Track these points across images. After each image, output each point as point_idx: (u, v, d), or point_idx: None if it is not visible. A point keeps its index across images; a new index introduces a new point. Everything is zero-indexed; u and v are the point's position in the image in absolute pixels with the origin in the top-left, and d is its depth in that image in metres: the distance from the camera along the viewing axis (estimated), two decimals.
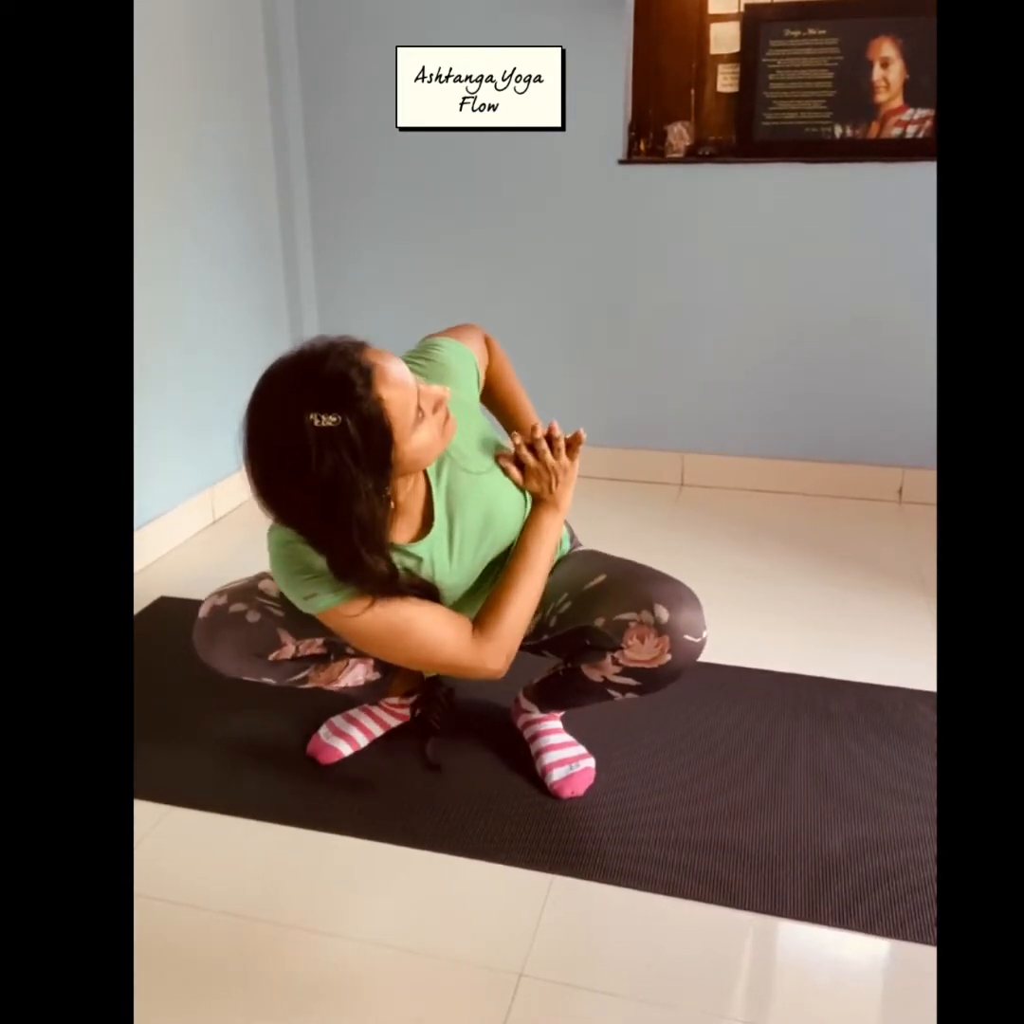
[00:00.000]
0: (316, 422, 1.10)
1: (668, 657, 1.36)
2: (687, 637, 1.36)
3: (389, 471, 1.19)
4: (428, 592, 1.36)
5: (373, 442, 1.14)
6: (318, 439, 1.11)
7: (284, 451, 1.14)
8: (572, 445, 1.40)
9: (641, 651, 1.36)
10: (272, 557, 1.33)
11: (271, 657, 1.46)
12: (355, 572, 1.23)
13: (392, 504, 1.25)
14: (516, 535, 1.44)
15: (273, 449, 1.15)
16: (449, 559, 1.40)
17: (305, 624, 1.41)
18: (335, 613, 1.29)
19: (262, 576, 1.49)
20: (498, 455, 1.43)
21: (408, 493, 1.34)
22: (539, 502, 1.44)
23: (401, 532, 1.35)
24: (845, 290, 2.79)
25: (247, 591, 1.48)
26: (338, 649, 1.53)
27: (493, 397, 1.61)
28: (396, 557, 1.31)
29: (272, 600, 1.46)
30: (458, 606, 1.44)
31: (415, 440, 1.21)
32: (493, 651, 1.35)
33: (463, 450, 1.40)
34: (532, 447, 1.40)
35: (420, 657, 1.35)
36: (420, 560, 1.37)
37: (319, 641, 1.49)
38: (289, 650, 1.47)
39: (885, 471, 2.92)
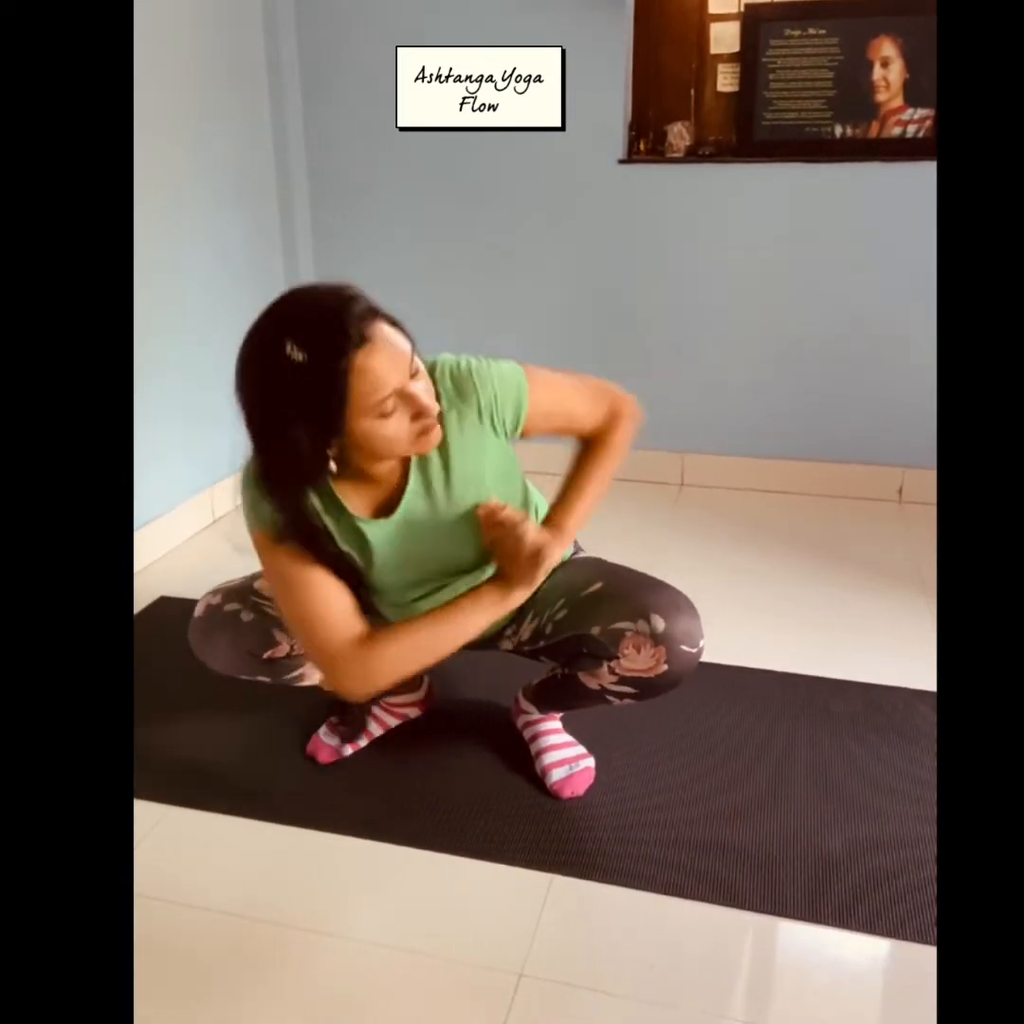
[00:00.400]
0: (287, 349, 1.11)
1: (665, 667, 1.35)
2: (683, 647, 1.34)
3: (332, 435, 1.19)
4: (353, 579, 1.34)
5: (323, 400, 1.14)
6: (279, 364, 1.12)
7: (252, 360, 1.17)
8: (536, 556, 1.30)
9: (637, 661, 1.36)
10: (243, 466, 1.35)
11: (265, 656, 1.47)
12: (278, 501, 1.26)
13: (331, 464, 1.24)
14: (470, 576, 1.41)
15: (247, 355, 1.18)
16: (392, 553, 1.37)
17: None
18: (260, 536, 1.33)
19: (257, 575, 1.50)
20: (482, 505, 1.34)
21: (384, 472, 1.33)
22: (496, 575, 1.38)
23: (364, 505, 1.35)
24: (845, 290, 2.79)
25: (242, 590, 1.49)
26: None
27: (571, 468, 1.50)
28: (344, 528, 1.34)
29: (267, 599, 1.46)
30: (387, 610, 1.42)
31: (370, 426, 1.19)
32: (357, 668, 1.30)
33: (459, 471, 1.36)
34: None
35: (300, 623, 1.32)
36: (366, 541, 1.35)
37: None
38: (283, 649, 1.48)
39: (885, 471, 2.92)
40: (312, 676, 1.55)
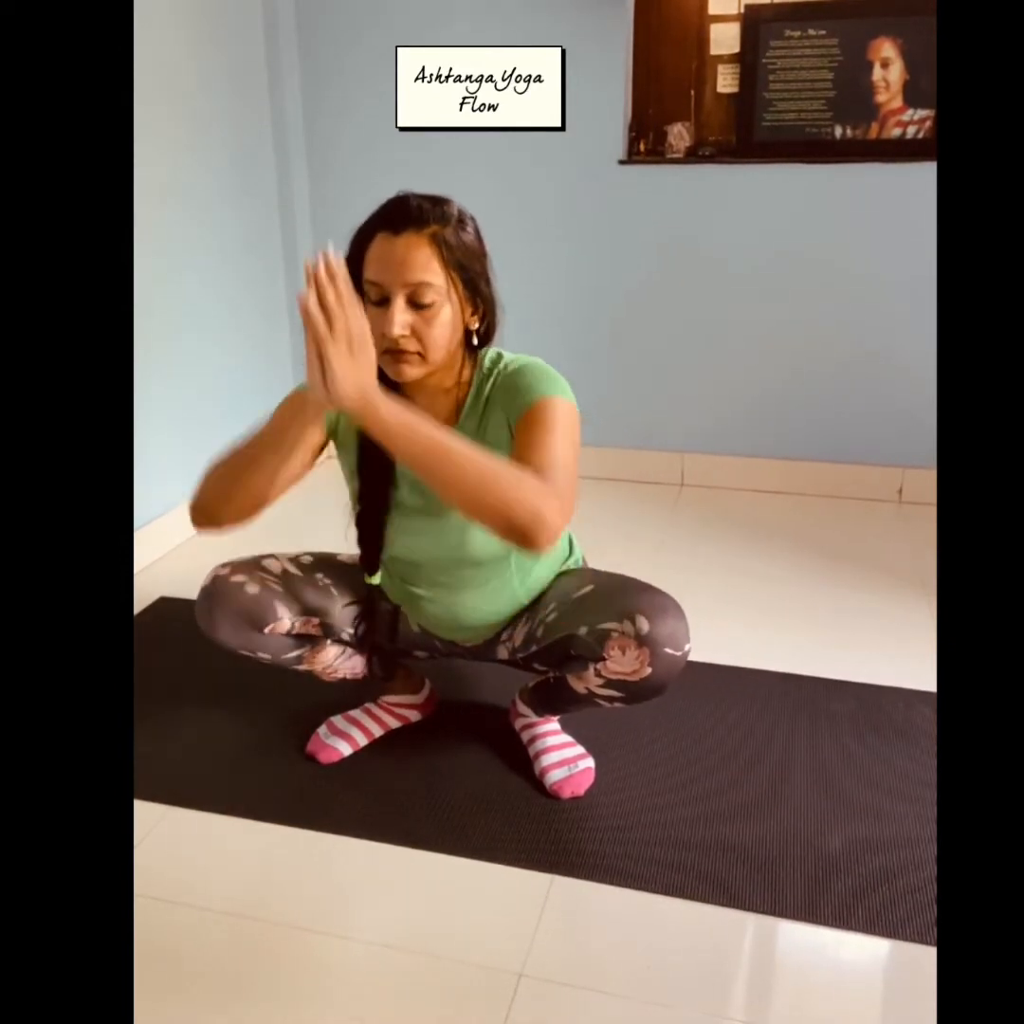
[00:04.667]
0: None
1: (648, 670, 1.35)
2: (667, 650, 1.34)
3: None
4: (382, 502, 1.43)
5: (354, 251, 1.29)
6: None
7: None
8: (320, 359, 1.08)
9: (622, 662, 1.36)
10: None
11: (266, 629, 1.48)
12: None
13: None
14: (475, 570, 1.47)
15: None
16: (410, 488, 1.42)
17: (302, 601, 1.49)
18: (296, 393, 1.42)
19: (268, 555, 1.55)
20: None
21: (436, 410, 1.40)
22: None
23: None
24: (844, 290, 2.79)
25: (249, 565, 1.52)
26: (333, 631, 1.55)
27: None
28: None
29: (272, 576, 1.50)
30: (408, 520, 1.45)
31: (367, 306, 1.27)
32: (203, 483, 1.31)
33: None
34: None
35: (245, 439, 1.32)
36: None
37: (315, 621, 1.53)
38: (285, 625, 1.50)
39: (885, 471, 2.92)
40: (311, 661, 1.57)
